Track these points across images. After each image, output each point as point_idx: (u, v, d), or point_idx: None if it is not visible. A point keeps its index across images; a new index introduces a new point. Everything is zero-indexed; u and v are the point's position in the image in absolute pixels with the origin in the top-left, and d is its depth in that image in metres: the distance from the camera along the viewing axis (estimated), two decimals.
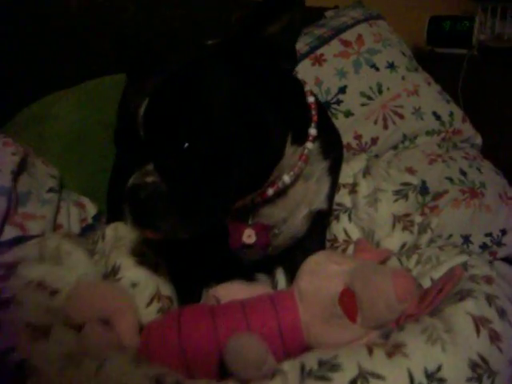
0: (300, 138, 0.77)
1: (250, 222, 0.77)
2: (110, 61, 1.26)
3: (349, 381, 0.57)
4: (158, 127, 0.62)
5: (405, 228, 0.92)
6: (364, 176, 0.99)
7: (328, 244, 0.93)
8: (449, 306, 0.66)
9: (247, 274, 0.90)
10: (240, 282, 0.76)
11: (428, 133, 1.31)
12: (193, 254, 0.79)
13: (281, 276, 0.91)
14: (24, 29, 1.34)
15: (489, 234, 1.13)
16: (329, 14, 1.58)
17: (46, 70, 1.38)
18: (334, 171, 0.88)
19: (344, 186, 0.98)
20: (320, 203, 0.85)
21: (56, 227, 1.01)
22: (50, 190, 1.08)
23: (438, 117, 1.33)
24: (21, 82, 1.35)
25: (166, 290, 0.76)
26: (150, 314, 0.72)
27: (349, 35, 1.36)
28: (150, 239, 0.72)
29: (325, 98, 1.28)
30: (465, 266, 0.78)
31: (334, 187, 0.89)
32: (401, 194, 0.96)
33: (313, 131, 0.78)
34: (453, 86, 1.70)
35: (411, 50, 1.55)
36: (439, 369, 0.58)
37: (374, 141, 1.27)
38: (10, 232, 0.93)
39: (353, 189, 0.98)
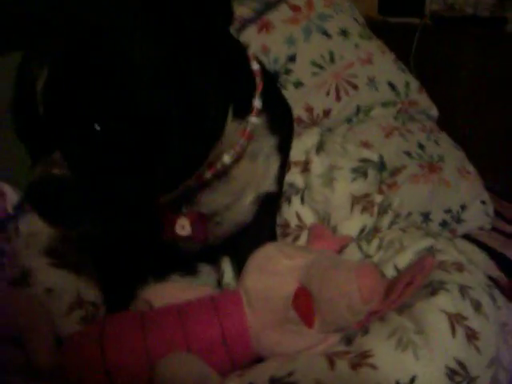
0: (242, 111, 0.65)
1: (183, 211, 0.66)
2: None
3: None
4: (61, 106, 0.48)
5: (364, 210, 0.83)
6: (317, 152, 0.88)
7: (279, 230, 0.83)
8: (419, 301, 0.58)
9: (188, 266, 0.79)
10: (175, 282, 0.66)
11: (383, 104, 1.23)
12: (122, 247, 0.68)
13: (227, 267, 0.80)
14: None
15: (448, 211, 1.09)
16: None
17: None
18: (284, 148, 0.77)
19: (295, 163, 0.87)
20: (269, 185, 0.74)
21: None
22: None
23: (393, 87, 1.25)
24: None
25: (89, 294, 0.64)
26: (71, 323, 0.61)
27: None
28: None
29: (273, 68, 1.18)
30: (431, 250, 0.71)
31: (285, 167, 0.79)
32: (359, 171, 0.86)
33: (257, 103, 0.66)
34: (405, 56, 1.64)
35: None
36: (413, 381, 0.49)
37: (327, 113, 1.18)
38: None
39: (305, 167, 0.87)
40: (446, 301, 0.57)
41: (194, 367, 0.48)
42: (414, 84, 1.30)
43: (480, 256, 0.99)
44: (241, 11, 1.24)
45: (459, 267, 0.64)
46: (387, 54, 1.30)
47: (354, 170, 0.86)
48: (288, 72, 1.18)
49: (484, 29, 1.70)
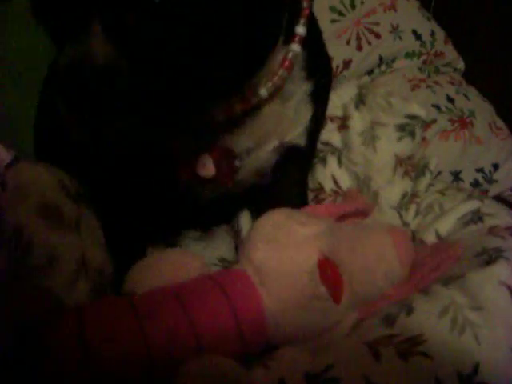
0: (285, 37, 0.57)
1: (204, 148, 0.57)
2: None
3: None
4: None
5: (406, 174, 0.74)
6: (357, 107, 0.78)
7: (311, 195, 0.73)
8: (472, 271, 0.49)
9: (202, 225, 0.71)
10: (164, 253, 0.58)
11: (408, 55, 1.16)
12: (133, 195, 0.59)
13: (245, 222, 0.71)
14: None
15: (480, 170, 1.03)
16: None
17: None
18: (320, 99, 0.68)
19: (331, 119, 0.78)
20: (296, 137, 0.66)
21: None
22: None
23: (418, 36, 1.17)
24: None
25: (95, 259, 0.56)
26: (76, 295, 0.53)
27: None
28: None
29: None
30: (477, 214, 0.63)
31: (319, 121, 0.70)
32: (406, 129, 0.75)
33: (301, 30, 0.58)
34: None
35: None
36: (476, 370, 0.41)
37: (347, 64, 1.10)
38: None
39: (343, 123, 0.77)
40: (506, 271, 0.49)
41: (225, 368, 0.39)
42: (440, 34, 1.22)
43: None
44: None
45: None
46: (411, 1, 1.21)
47: (400, 128, 0.75)
48: None
49: None
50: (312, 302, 0.49)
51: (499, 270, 0.49)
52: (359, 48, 1.11)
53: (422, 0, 1.39)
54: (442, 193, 0.73)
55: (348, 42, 1.11)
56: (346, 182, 0.74)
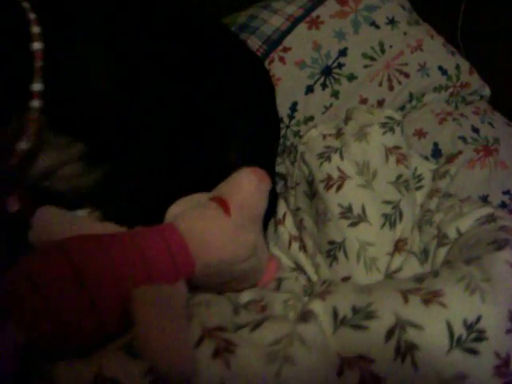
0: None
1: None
2: None
3: (386, 330, 0.58)
4: None
5: (398, 161, 0.94)
6: (346, 123, 1.00)
7: (323, 184, 0.91)
8: (486, 254, 0.67)
9: None
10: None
11: (435, 89, 1.28)
12: None
13: None
14: None
15: (507, 192, 1.11)
16: None
17: None
18: None
19: (329, 135, 0.98)
20: None
21: None
22: None
23: (444, 71, 1.29)
24: None
25: None
26: None
27: None
28: None
29: (325, 63, 1.24)
30: (492, 217, 0.80)
31: None
32: (387, 126, 0.96)
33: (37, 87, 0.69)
34: (452, 26, 1.63)
35: None
36: (478, 320, 0.59)
37: (381, 103, 1.24)
38: None
39: (338, 133, 0.98)
40: (508, 256, 0.66)
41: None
42: (465, 66, 1.34)
43: None
44: (290, 10, 1.29)
45: None
46: (436, 38, 1.34)
47: (383, 125, 0.97)
48: (340, 66, 1.25)
49: None
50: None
51: (506, 253, 0.67)
52: (391, 88, 1.24)
53: (449, 28, 1.52)
54: (461, 201, 0.91)
55: (380, 84, 1.24)
56: (349, 169, 0.91)
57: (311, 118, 1.23)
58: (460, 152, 1.11)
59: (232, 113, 0.95)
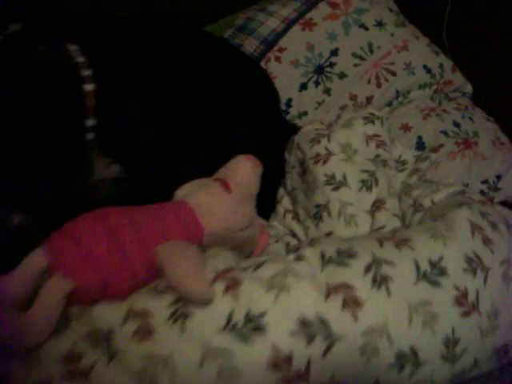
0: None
1: None
2: None
3: (365, 266, 0.70)
4: None
5: (378, 146, 1.09)
6: (336, 121, 1.18)
7: (312, 160, 1.06)
8: (450, 210, 0.80)
9: None
10: None
11: (420, 86, 1.38)
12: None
13: None
14: None
15: (485, 181, 1.21)
16: None
17: None
18: None
19: (322, 136, 1.11)
20: None
21: None
22: None
23: (428, 70, 1.39)
24: None
25: None
26: None
27: None
28: None
29: (318, 62, 1.35)
30: (462, 192, 0.94)
31: None
32: (368, 119, 1.12)
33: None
34: (438, 27, 1.72)
35: None
36: (440, 259, 0.72)
37: (369, 100, 1.34)
38: None
39: (328, 126, 1.17)
40: (469, 212, 0.79)
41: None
42: (448, 64, 1.44)
43: None
44: (285, 12, 1.39)
45: (483, 203, 0.86)
46: (421, 39, 1.45)
47: (365, 118, 1.13)
48: (332, 65, 1.35)
49: None
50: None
51: (465, 211, 0.79)
52: (378, 85, 1.34)
53: (434, 28, 1.61)
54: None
55: (369, 81, 1.34)
56: (334, 148, 1.06)
57: (305, 113, 1.33)
58: (442, 145, 1.21)
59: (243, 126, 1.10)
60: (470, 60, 1.54)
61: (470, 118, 1.31)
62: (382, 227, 0.94)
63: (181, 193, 0.83)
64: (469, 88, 1.46)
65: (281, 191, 1.16)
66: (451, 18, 1.80)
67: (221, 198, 0.80)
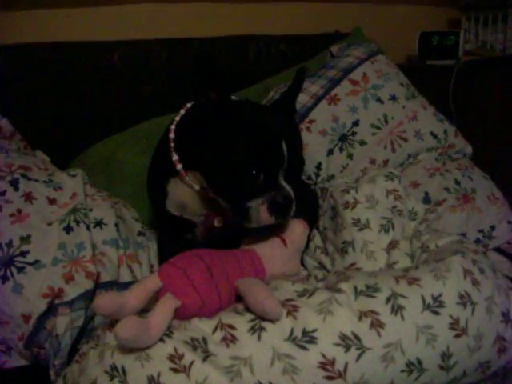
0: None
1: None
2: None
3: (386, 298, 0.91)
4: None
5: (395, 199, 1.30)
6: (362, 176, 1.40)
7: (342, 207, 1.31)
8: (448, 256, 1.00)
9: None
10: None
11: (428, 150, 1.62)
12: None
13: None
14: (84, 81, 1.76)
15: (481, 231, 1.43)
16: (334, 49, 1.91)
17: (104, 113, 1.76)
18: None
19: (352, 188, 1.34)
20: None
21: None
22: (140, 233, 1.37)
23: (434, 136, 1.63)
24: (83, 124, 1.76)
25: None
26: None
27: (356, 75, 1.68)
28: None
29: (342, 131, 1.60)
30: (461, 241, 1.15)
31: None
32: (388, 177, 1.33)
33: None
34: (444, 94, 1.99)
35: (405, 63, 1.83)
36: (440, 295, 0.92)
37: (385, 162, 1.57)
38: (125, 274, 1.23)
39: (356, 180, 1.39)
40: (462, 260, 0.99)
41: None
42: (451, 130, 1.68)
43: (506, 264, 1.36)
44: (314, 89, 1.68)
45: (476, 252, 1.05)
46: (428, 109, 1.69)
47: (386, 176, 1.34)
48: (354, 134, 1.60)
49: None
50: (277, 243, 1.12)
51: (459, 258, 0.99)
52: (393, 150, 1.58)
53: (442, 88, 1.86)
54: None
55: (385, 147, 1.58)
56: (360, 197, 1.29)
57: (332, 177, 1.57)
58: (445, 199, 1.43)
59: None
60: (474, 120, 1.82)
61: (469, 177, 1.52)
62: (395, 262, 1.16)
63: (245, 241, 1.13)
64: (469, 149, 1.68)
65: (313, 231, 1.39)
66: (457, 82, 2.00)
67: (280, 250, 1.10)
